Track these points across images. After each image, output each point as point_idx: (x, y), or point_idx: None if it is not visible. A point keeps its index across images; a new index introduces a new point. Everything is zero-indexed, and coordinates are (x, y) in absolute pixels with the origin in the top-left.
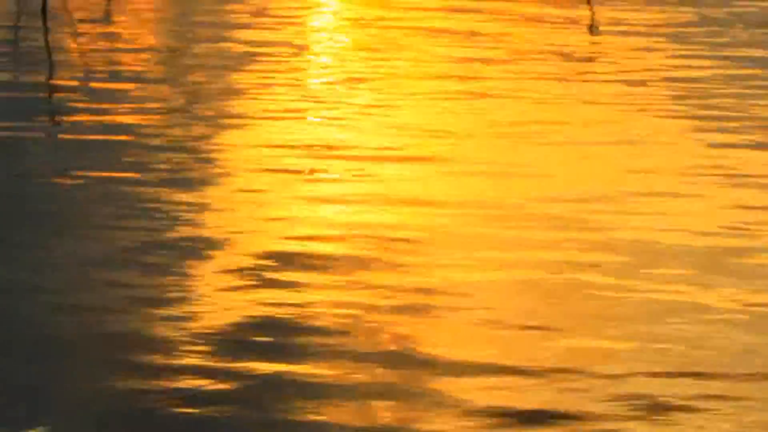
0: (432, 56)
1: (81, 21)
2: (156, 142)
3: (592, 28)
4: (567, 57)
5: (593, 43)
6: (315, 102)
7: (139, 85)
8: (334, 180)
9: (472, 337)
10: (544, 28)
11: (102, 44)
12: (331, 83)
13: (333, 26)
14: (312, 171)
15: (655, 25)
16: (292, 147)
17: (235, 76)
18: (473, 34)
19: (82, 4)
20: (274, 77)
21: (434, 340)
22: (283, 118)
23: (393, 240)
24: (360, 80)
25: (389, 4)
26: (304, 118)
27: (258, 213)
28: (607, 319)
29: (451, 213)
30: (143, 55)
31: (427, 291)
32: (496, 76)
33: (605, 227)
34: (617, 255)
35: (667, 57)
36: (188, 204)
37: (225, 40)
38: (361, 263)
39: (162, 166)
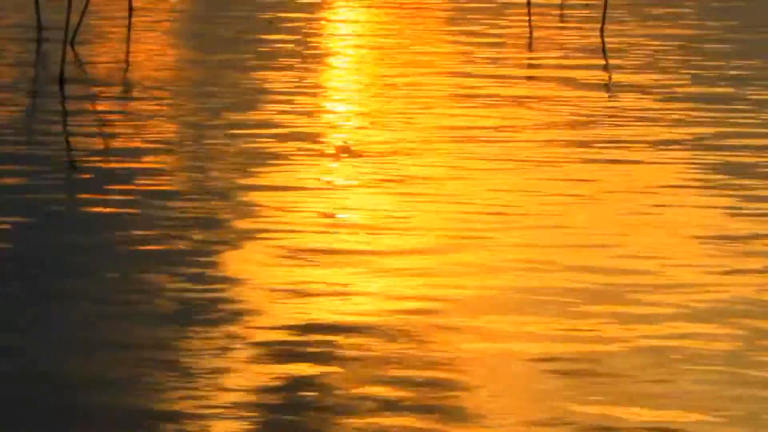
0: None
1: (100, 90)
2: (177, 214)
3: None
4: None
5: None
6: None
7: (159, 166)
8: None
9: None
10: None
11: (121, 126)
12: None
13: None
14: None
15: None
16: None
17: (262, 179)
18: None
19: (102, 71)
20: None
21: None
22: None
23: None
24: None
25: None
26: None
27: (291, 278)
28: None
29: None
30: (165, 133)
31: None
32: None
33: (641, 302)
34: (651, 338)
35: None
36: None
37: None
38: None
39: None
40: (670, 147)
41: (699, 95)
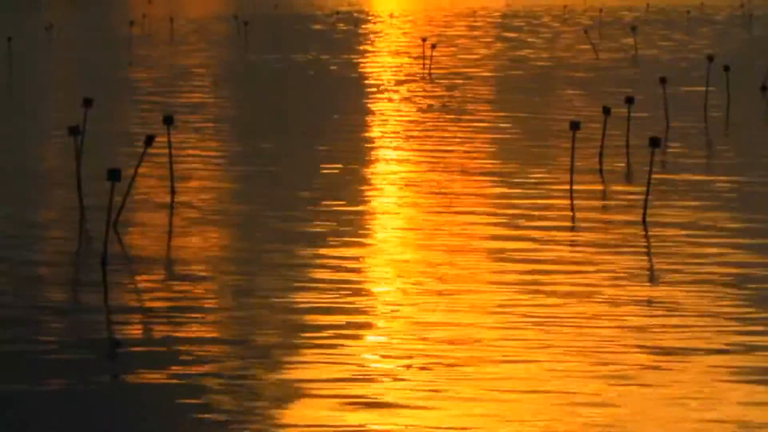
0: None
1: (143, 272)
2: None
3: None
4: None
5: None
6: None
7: (196, 345)
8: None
9: None
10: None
11: (162, 302)
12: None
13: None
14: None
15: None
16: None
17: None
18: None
19: (144, 252)
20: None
21: None
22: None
23: None
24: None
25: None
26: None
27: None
28: None
29: None
30: (203, 315)
31: None
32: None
33: None
34: None
35: None
36: None
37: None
38: None
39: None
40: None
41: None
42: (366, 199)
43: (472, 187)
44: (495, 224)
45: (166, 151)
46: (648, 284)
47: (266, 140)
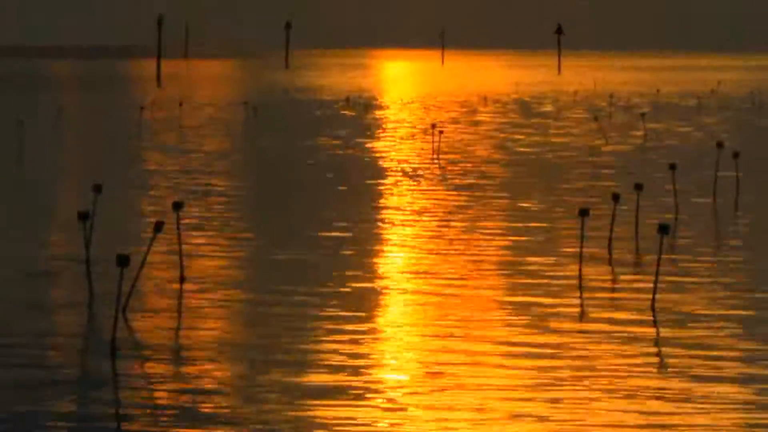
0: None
1: (152, 358)
2: None
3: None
4: None
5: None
6: None
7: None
8: None
9: None
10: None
11: (170, 391)
12: None
13: None
14: None
15: None
16: None
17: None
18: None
19: (154, 339)
20: None
21: None
22: None
23: None
24: None
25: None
26: None
27: None
28: None
29: None
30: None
31: None
32: None
33: None
34: None
35: None
36: None
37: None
38: None
39: None
40: None
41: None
42: (373, 284)
43: (481, 273)
44: (503, 309)
45: (176, 236)
46: (656, 372)
47: (275, 226)
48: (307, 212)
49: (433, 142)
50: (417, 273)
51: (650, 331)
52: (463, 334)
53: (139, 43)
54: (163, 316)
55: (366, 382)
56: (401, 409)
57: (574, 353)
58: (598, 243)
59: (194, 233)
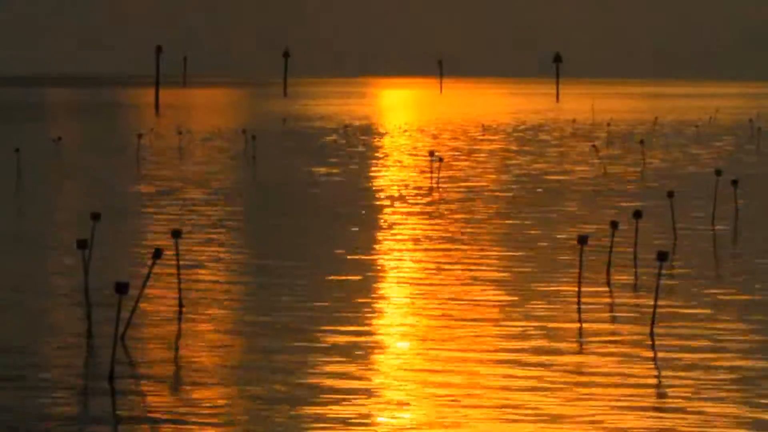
0: None
1: (150, 382)
2: None
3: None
4: None
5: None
6: None
7: None
8: None
9: None
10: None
11: (170, 413)
12: None
13: None
14: None
15: None
16: None
17: None
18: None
19: (152, 367)
20: None
21: None
22: None
23: None
24: None
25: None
26: None
27: None
28: None
29: None
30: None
31: None
32: None
33: None
34: None
35: None
36: None
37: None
38: None
39: None
40: None
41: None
42: (375, 312)
43: (479, 299)
44: (502, 335)
45: (174, 263)
46: (655, 396)
47: (274, 253)
48: (307, 240)
49: (431, 169)
50: (415, 297)
51: (649, 354)
52: (462, 357)
53: (137, 72)
54: (161, 344)
55: (366, 413)
56: None
57: (575, 378)
58: (597, 269)
59: (193, 261)
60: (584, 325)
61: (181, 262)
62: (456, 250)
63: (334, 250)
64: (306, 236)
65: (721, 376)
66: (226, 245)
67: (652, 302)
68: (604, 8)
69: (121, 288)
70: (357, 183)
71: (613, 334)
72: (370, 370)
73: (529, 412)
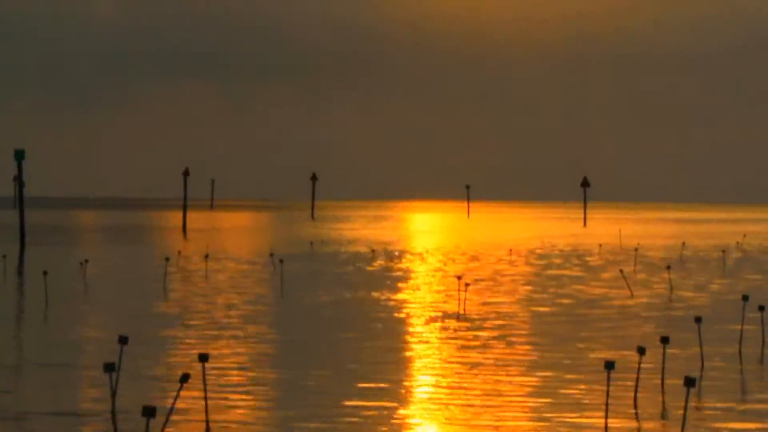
0: None
1: None
2: None
3: None
4: None
5: None
6: None
7: None
8: None
9: None
10: None
11: None
12: None
13: None
14: None
15: None
16: None
17: None
18: None
19: None
20: None
21: None
22: None
23: None
24: None
25: None
26: None
27: None
28: None
29: None
30: None
31: None
32: None
33: None
34: None
35: None
36: None
37: None
38: None
39: None
40: None
41: None
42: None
43: (504, 425)
44: None
45: (201, 387)
46: None
47: (301, 378)
48: (335, 366)
49: (458, 292)
50: (438, 421)
51: None
52: None
53: (165, 195)
54: None
55: None
56: None
57: None
58: (624, 395)
59: (220, 385)
60: None
61: (208, 386)
62: (482, 373)
63: (363, 374)
64: (334, 362)
65: None
66: (253, 369)
67: (679, 428)
68: (633, 137)
69: (149, 411)
70: (383, 306)
71: None
72: None
73: None
